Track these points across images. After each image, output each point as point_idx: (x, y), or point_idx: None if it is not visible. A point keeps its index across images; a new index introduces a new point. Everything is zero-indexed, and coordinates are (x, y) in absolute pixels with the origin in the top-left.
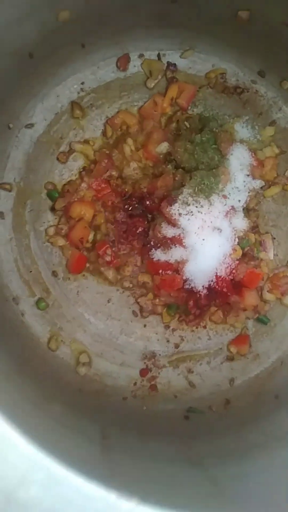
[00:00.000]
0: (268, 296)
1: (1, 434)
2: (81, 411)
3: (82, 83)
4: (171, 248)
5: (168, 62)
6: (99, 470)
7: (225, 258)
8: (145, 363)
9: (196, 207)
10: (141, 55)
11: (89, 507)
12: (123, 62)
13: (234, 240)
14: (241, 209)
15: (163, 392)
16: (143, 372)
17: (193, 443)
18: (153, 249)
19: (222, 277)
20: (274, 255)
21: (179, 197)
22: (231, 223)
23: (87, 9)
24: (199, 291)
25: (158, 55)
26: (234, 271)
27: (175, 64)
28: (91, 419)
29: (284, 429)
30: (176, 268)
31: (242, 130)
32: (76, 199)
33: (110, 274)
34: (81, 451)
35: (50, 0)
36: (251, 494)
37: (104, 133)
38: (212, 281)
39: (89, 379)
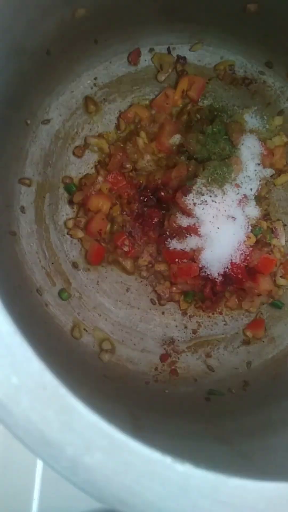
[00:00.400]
0: (281, 281)
1: (69, 405)
2: (108, 395)
3: (95, 79)
4: (186, 237)
5: (178, 56)
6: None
7: (239, 245)
8: (164, 348)
9: (210, 196)
10: (151, 50)
11: (148, 469)
12: (134, 57)
13: (248, 227)
14: (253, 198)
15: (183, 376)
16: (163, 358)
17: (218, 421)
18: (169, 238)
19: (237, 264)
20: (286, 241)
21: (193, 188)
22: (244, 211)
23: (101, 6)
24: (215, 278)
25: (168, 49)
26: (248, 257)
27: (184, 57)
28: (119, 402)
29: None
30: (192, 256)
31: (251, 120)
32: (93, 192)
33: (128, 264)
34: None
35: None
36: (280, 465)
37: (117, 126)
38: (227, 268)
39: (112, 365)
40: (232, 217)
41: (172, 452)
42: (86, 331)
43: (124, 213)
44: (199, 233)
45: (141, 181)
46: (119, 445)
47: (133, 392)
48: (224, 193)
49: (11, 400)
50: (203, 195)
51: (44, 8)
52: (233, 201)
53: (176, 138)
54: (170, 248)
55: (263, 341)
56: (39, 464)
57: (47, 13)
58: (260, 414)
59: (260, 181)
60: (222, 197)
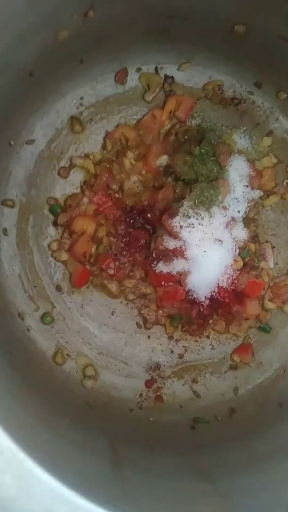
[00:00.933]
0: (269, 305)
1: (27, 470)
2: (89, 425)
3: (81, 98)
4: (173, 260)
5: (165, 75)
6: (112, 490)
7: (226, 269)
8: (150, 374)
9: (197, 219)
10: (139, 69)
11: None
12: (121, 76)
13: (235, 250)
14: (241, 220)
15: (168, 403)
16: (149, 383)
17: (200, 454)
18: (155, 261)
19: (224, 287)
20: (274, 263)
21: (180, 210)
22: (231, 234)
23: (85, 27)
24: (202, 302)
25: (156, 69)
26: (235, 281)
27: (172, 77)
28: (99, 433)
29: (286, 438)
30: (179, 279)
31: (240, 140)
32: (78, 213)
33: (114, 287)
34: (93, 472)
35: (50, 22)
36: (261, 507)
37: (103, 147)
38: (214, 291)
39: (95, 392)
40: (219, 240)
41: (142, 497)
42: (70, 356)
43: (110, 234)
44: (185, 256)
45: (127, 202)
46: (80, 510)
47: (116, 421)
48: (211, 216)
49: None
50: (189, 217)
51: (23, 33)
52: (220, 223)
53: (163, 159)
54: (157, 271)
55: (251, 366)
56: None
57: (26, 37)
58: (244, 447)
59: (248, 203)
60: (209, 220)
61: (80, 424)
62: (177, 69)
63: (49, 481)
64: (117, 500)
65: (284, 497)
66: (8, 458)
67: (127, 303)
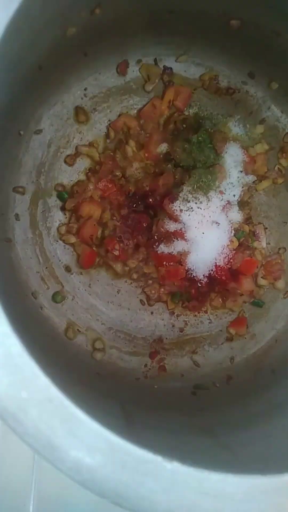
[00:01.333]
0: (262, 281)
1: (72, 415)
2: (101, 392)
3: (85, 89)
4: (173, 241)
5: (164, 66)
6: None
7: (223, 249)
8: (153, 346)
9: (196, 203)
10: (139, 61)
11: (141, 468)
12: (122, 68)
13: (231, 232)
14: (236, 203)
15: (171, 372)
16: (152, 355)
17: (203, 415)
18: (157, 242)
19: (221, 266)
20: (266, 243)
21: (180, 195)
22: (227, 216)
23: (91, 23)
24: (200, 280)
25: (155, 60)
26: (231, 260)
27: (171, 68)
28: (111, 398)
29: (280, 399)
30: (179, 259)
31: (234, 128)
32: (84, 199)
33: (119, 267)
34: (113, 425)
35: (61, 21)
36: (259, 457)
37: (107, 135)
38: (212, 270)
39: (104, 363)
40: (216, 223)
41: (161, 449)
42: (80, 331)
43: (114, 218)
44: (185, 237)
45: (130, 188)
46: (116, 447)
47: (124, 389)
48: (208, 200)
49: (21, 412)
50: (189, 202)
51: (36, 31)
52: (217, 207)
53: (163, 147)
54: (158, 252)
55: (245, 338)
56: (36, 457)
57: (39, 35)
58: (242, 406)
59: (242, 187)
60: (207, 204)
61: (92, 391)
62: (175, 60)
63: (91, 424)
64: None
65: (278, 447)
66: (56, 405)
67: (131, 282)
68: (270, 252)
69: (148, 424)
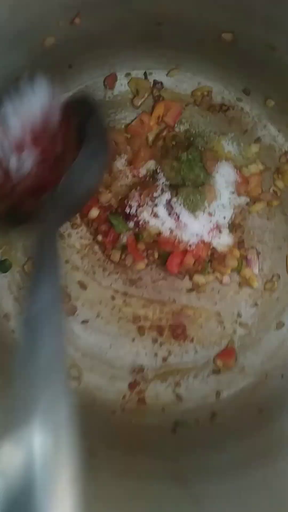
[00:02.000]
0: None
1: None
2: None
3: None
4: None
5: (154, 81)
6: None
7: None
8: (133, 376)
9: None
10: (128, 74)
11: None
12: (110, 81)
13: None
14: (227, 225)
15: (151, 405)
16: (132, 386)
17: (179, 459)
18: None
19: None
20: (259, 270)
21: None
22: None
23: (72, 33)
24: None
25: (145, 74)
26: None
27: (161, 82)
28: (79, 435)
29: (263, 446)
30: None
31: (227, 147)
32: None
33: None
34: None
35: (35, 29)
36: None
37: None
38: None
39: (79, 393)
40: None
41: (115, 499)
42: None
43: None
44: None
45: (113, 204)
46: None
47: (98, 423)
48: (195, 218)
49: None
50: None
51: (8, 41)
52: (204, 226)
53: (151, 164)
54: None
55: (234, 371)
56: None
57: (12, 45)
58: (222, 452)
59: (234, 209)
60: (193, 220)
61: None
62: (166, 74)
63: None
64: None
65: (256, 505)
66: None
67: (113, 306)
68: (262, 279)
69: (114, 469)
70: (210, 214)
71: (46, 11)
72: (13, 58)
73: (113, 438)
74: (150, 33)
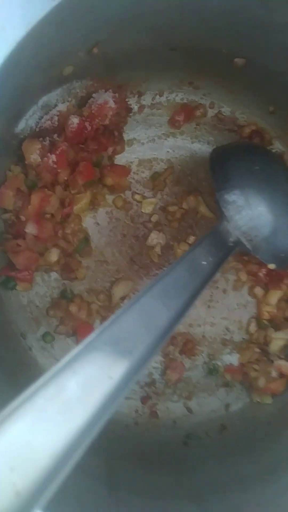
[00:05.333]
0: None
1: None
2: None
3: None
4: None
5: None
6: None
7: None
8: (145, 390)
9: None
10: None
11: None
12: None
13: None
14: None
15: (162, 419)
16: (144, 400)
17: (191, 473)
18: None
19: None
20: None
21: None
22: None
23: (90, 61)
24: None
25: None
26: None
27: None
28: (95, 452)
29: (276, 459)
30: None
31: None
32: None
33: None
34: (90, 496)
35: (57, 61)
36: None
37: None
38: None
39: None
40: None
41: None
42: None
43: None
44: None
45: None
46: None
47: (112, 438)
48: None
49: None
50: None
51: (30, 73)
52: None
53: None
54: None
55: (242, 384)
56: None
57: (33, 76)
58: (233, 466)
59: None
60: None
61: None
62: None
63: None
64: None
65: None
66: None
67: None
68: None
69: (132, 487)
70: None
71: (67, 45)
72: (31, 86)
73: (128, 453)
74: (163, 57)
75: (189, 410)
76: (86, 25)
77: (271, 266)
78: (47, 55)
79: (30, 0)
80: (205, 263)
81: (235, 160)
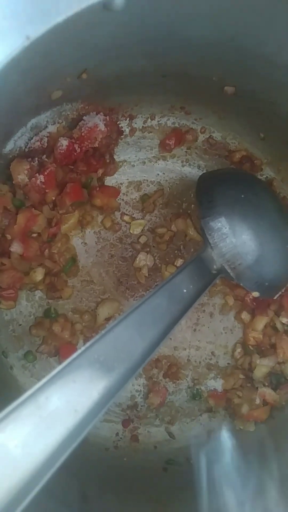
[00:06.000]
0: None
1: None
2: (62, 467)
3: None
4: None
5: None
6: None
7: None
8: (127, 413)
9: None
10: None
11: None
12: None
13: None
14: None
15: (143, 443)
16: (125, 423)
17: (169, 501)
18: None
19: None
20: None
21: None
22: None
23: (79, 86)
24: None
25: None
26: None
27: None
28: (73, 477)
29: (259, 487)
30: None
31: None
32: None
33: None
34: None
35: (44, 87)
36: None
37: None
38: None
39: None
40: None
41: None
42: None
43: None
44: None
45: None
46: None
47: (90, 462)
48: None
49: None
50: None
51: (17, 98)
52: None
53: None
54: None
55: (225, 410)
56: None
57: (20, 100)
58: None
59: None
60: None
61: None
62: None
63: None
64: None
65: None
66: None
67: None
68: None
69: None
70: None
71: (55, 71)
72: (19, 111)
73: (105, 477)
74: (155, 83)
75: (171, 435)
76: (73, 54)
77: (255, 294)
78: (34, 81)
79: (4, 35)
80: (185, 291)
81: (221, 188)
